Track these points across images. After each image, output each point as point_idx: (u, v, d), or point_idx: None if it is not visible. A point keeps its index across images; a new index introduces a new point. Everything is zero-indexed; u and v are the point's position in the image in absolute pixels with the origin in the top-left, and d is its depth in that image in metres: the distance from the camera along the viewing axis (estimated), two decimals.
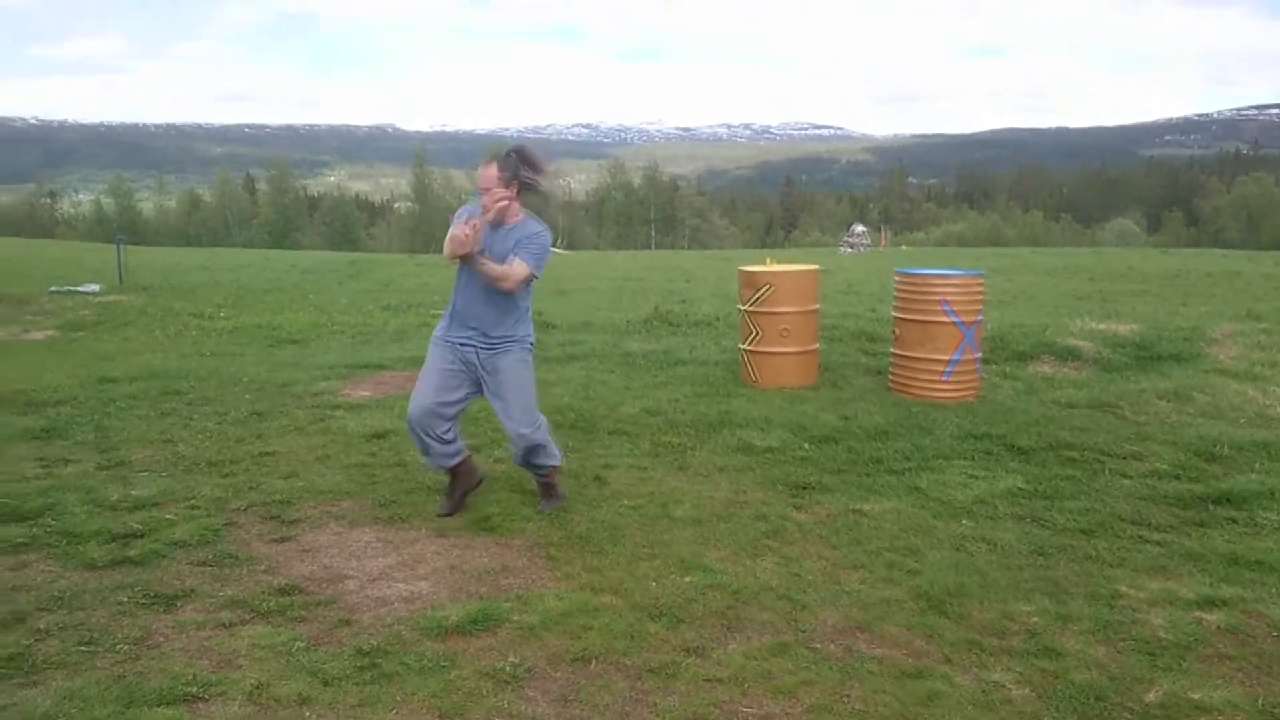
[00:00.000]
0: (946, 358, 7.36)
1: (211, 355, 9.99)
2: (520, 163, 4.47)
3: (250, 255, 37.60)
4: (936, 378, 7.40)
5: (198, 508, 4.77)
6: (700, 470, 5.59)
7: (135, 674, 3.10)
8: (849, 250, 43.92)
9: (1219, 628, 3.53)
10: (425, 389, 4.59)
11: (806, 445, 6.08)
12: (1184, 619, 3.59)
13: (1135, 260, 32.38)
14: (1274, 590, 3.85)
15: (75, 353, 10.18)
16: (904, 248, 56.44)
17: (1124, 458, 5.81)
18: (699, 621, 3.55)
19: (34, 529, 4.39)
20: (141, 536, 4.33)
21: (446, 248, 4.43)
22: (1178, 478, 5.42)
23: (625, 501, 4.93)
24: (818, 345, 8.31)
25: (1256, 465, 5.62)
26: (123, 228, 49.41)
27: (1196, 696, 3.03)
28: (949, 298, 7.36)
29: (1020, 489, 5.19)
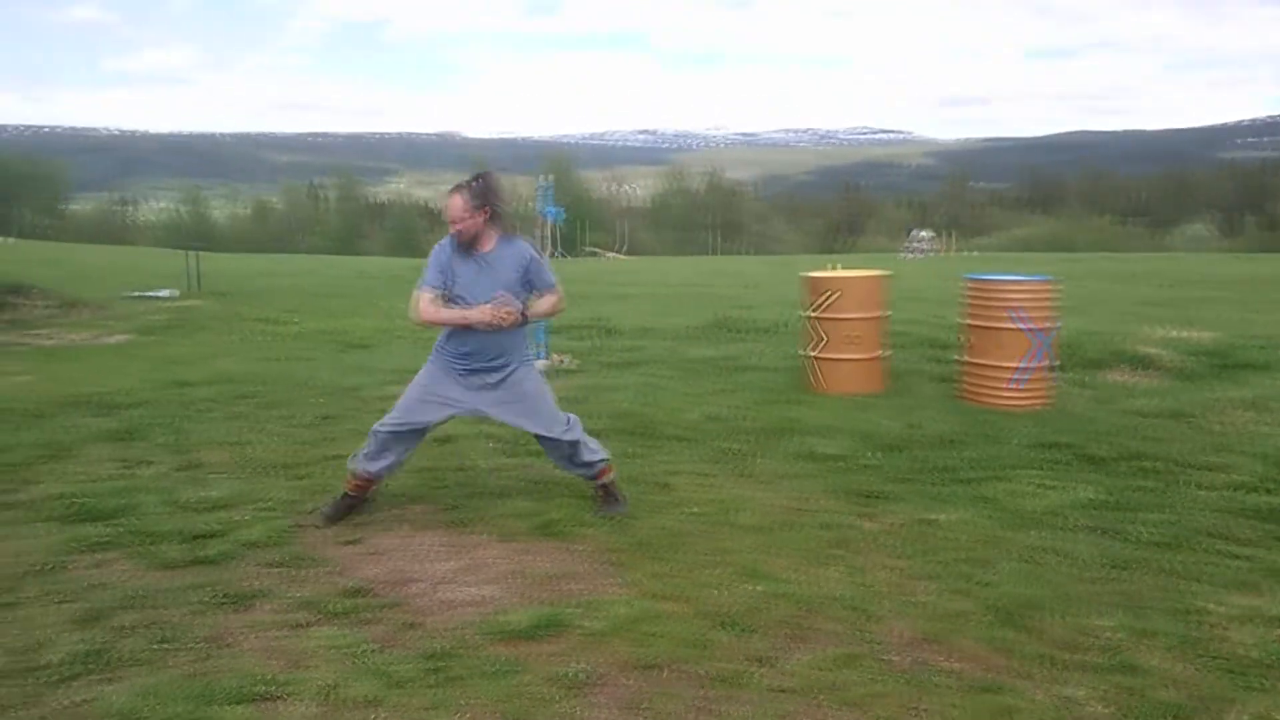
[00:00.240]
0: (1017, 365, 7.22)
1: (282, 360, 10.18)
2: (486, 188, 4.50)
3: (317, 261, 38.34)
4: (1007, 385, 7.26)
5: (269, 509, 4.86)
6: (764, 477, 5.55)
7: (210, 672, 3.15)
8: (912, 256, 43.41)
9: None
10: (405, 406, 4.71)
11: (873, 453, 6.00)
12: (1270, 637, 3.46)
13: (1210, 265, 31.52)
14: None
15: (150, 356, 10.45)
16: (969, 253, 55.59)
17: (1203, 469, 5.64)
18: (766, 630, 3.51)
19: (113, 528, 4.51)
20: (215, 537, 4.42)
21: (442, 315, 4.49)
22: (1260, 490, 5.25)
23: (689, 508, 4.90)
24: (885, 352, 8.21)
25: None
26: (195, 234, 50.61)
27: None
28: (1020, 304, 7.23)
29: (1095, 500, 5.06)
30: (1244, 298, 17.79)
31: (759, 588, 3.89)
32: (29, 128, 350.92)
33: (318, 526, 4.61)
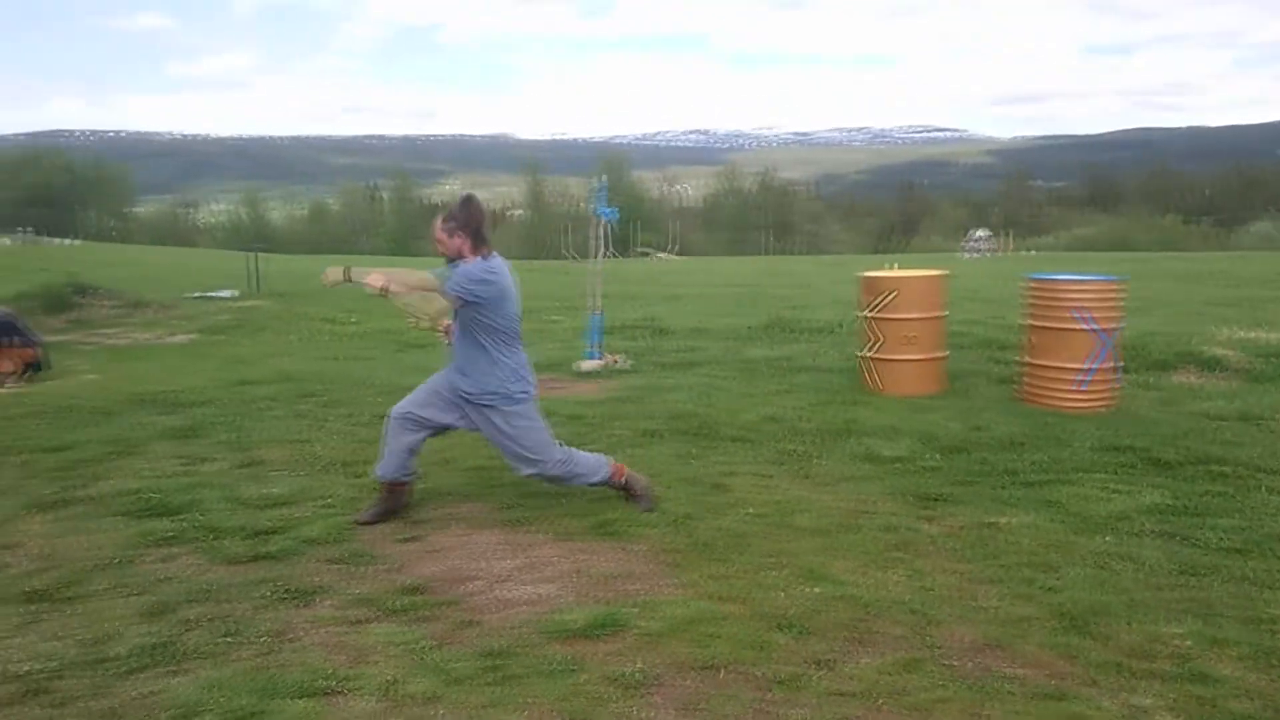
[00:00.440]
0: (1082, 366, 7.07)
1: (341, 359, 10.32)
2: (464, 213, 4.65)
3: (374, 262, 38.79)
4: (1072, 387, 7.12)
5: (329, 506, 4.92)
6: (824, 479, 5.49)
7: (274, 666, 3.20)
8: (970, 255, 42.82)
9: None
10: (415, 398, 4.81)
11: (935, 455, 5.91)
12: None
13: None
14: None
15: (214, 356, 10.66)
16: (1027, 252, 54.68)
17: (1275, 473, 5.48)
18: (827, 633, 3.47)
19: (179, 523, 4.60)
20: (277, 533, 4.49)
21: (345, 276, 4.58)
22: None
23: (748, 509, 4.87)
24: (944, 352, 8.09)
25: None
26: (256, 236, 51.59)
27: None
28: (1085, 304, 7.08)
29: (1164, 504, 4.93)
30: None
31: (819, 590, 3.84)
32: (95, 132, 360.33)
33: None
